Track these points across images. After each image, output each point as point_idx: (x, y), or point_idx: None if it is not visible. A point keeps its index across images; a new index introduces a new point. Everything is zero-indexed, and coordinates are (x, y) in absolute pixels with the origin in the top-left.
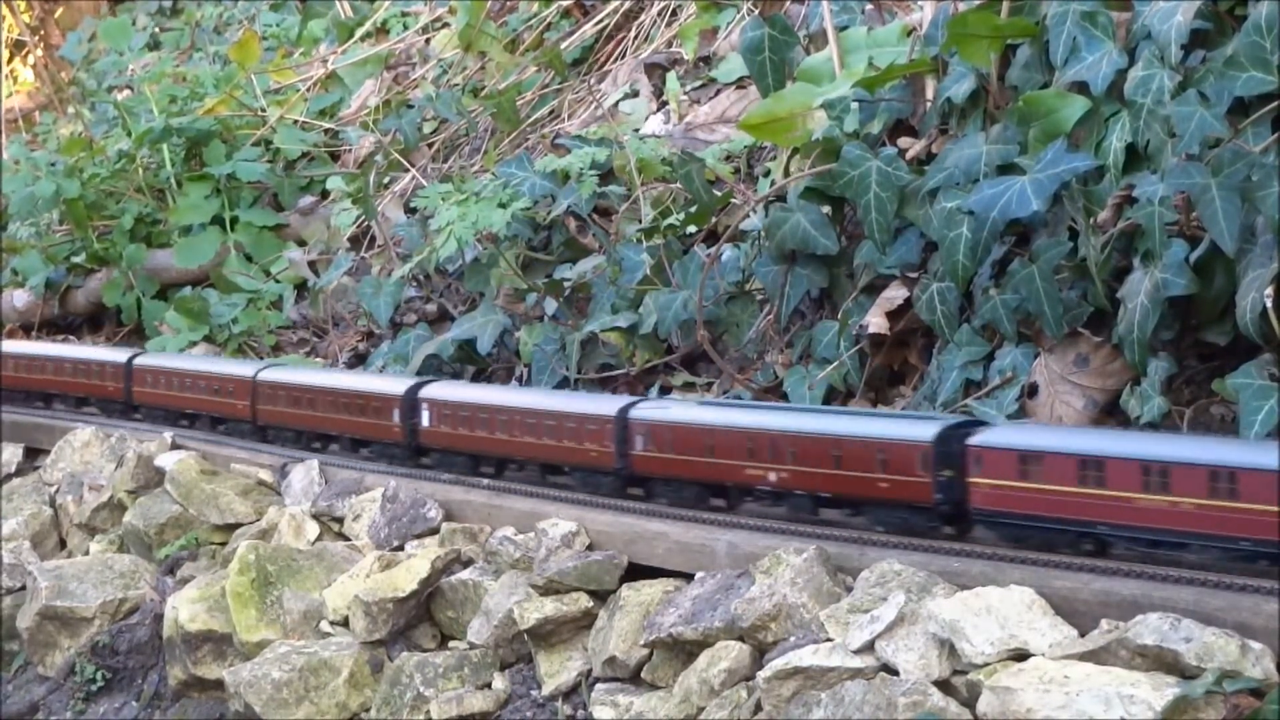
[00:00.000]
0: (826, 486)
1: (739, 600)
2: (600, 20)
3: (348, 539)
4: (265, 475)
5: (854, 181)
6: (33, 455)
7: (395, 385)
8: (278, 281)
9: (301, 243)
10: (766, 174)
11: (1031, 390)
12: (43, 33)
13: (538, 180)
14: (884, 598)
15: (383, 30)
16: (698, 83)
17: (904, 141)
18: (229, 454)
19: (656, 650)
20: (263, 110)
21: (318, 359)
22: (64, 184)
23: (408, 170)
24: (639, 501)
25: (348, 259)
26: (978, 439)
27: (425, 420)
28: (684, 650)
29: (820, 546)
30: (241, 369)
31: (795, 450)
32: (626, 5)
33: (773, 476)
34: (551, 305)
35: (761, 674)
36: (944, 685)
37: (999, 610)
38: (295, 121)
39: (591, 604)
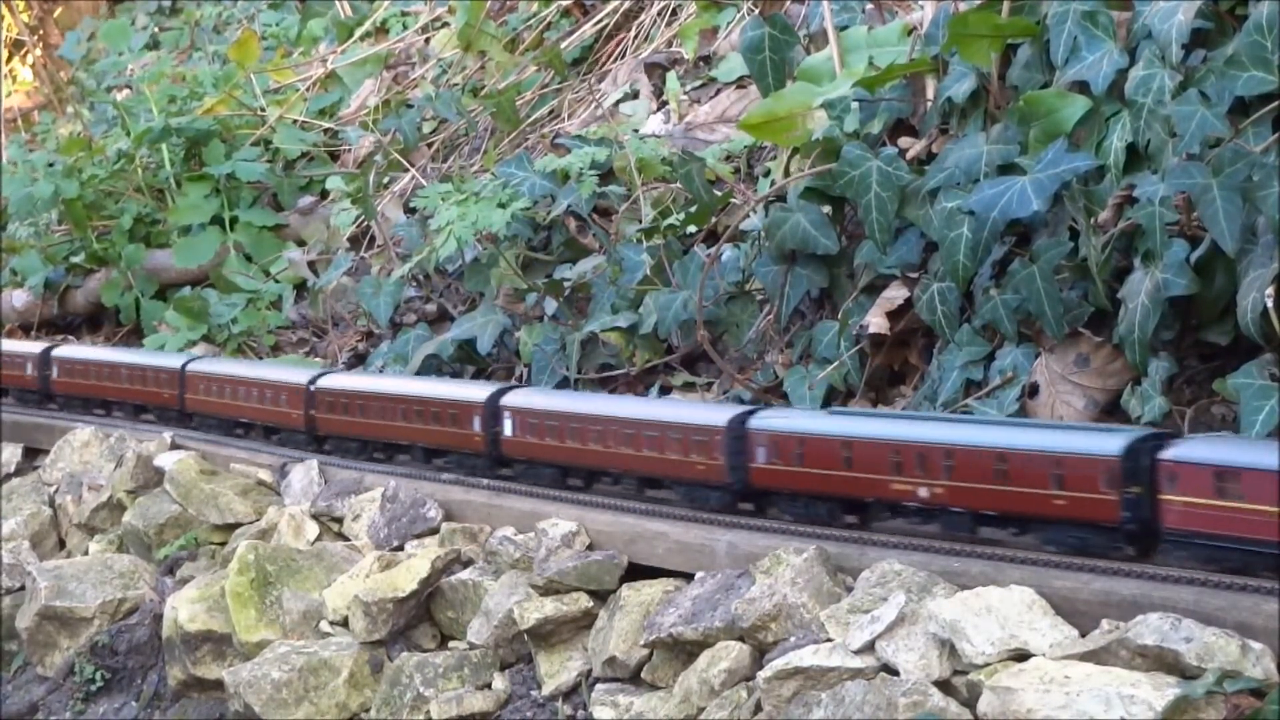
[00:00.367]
0: (990, 503)
1: (739, 600)
2: (600, 20)
3: (347, 539)
4: (265, 475)
5: (854, 181)
6: (32, 455)
7: (476, 391)
8: (277, 281)
9: (301, 243)
10: (766, 174)
11: (1032, 390)
12: (42, 32)
13: (538, 180)
14: (884, 598)
15: (382, 30)
16: (698, 82)
17: (904, 141)
18: (228, 454)
19: (656, 650)
20: (262, 110)
21: (318, 359)
22: (63, 184)
23: (407, 170)
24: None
25: (347, 259)
26: (1171, 453)
27: (508, 429)
28: (684, 650)
29: (820, 546)
30: (296, 375)
31: (953, 463)
32: (626, 5)
33: (924, 492)
34: (551, 305)
35: (761, 674)
36: (944, 685)
37: (999, 610)
38: (295, 121)
39: (591, 604)
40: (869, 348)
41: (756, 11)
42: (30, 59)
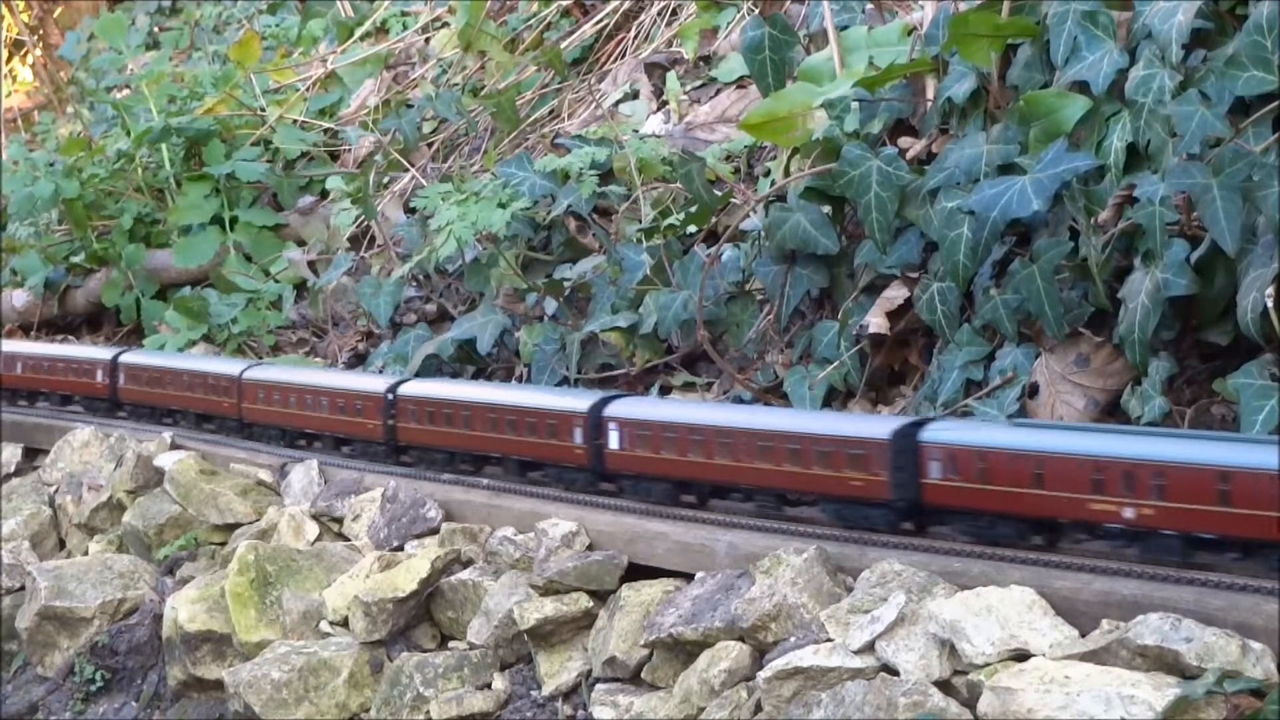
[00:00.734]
0: (1209, 525)
1: (739, 600)
2: (600, 20)
3: (347, 539)
4: (264, 475)
5: (854, 181)
6: (32, 455)
7: (577, 401)
8: (277, 281)
9: (301, 243)
10: (766, 174)
11: (1032, 390)
12: (42, 32)
13: (538, 180)
14: (884, 598)
15: (382, 30)
16: (698, 82)
17: (904, 141)
18: (228, 454)
19: (656, 650)
20: (262, 110)
21: (317, 359)
22: (63, 184)
23: (407, 170)
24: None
25: (347, 259)
26: None
27: (614, 441)
28: (684, 650)
29: (820, 546)
30: (372, 383)
31: (1164, 482)
32: (626, 5)
33: (1129, 513)
34: (551, 305)
35: (761, 674)
36: (944, 685)
37: (999, 610)
38: (295, 121)
39: (591, 604)
40: (869, 348)
41: (756, 11)
42: (30, 59)
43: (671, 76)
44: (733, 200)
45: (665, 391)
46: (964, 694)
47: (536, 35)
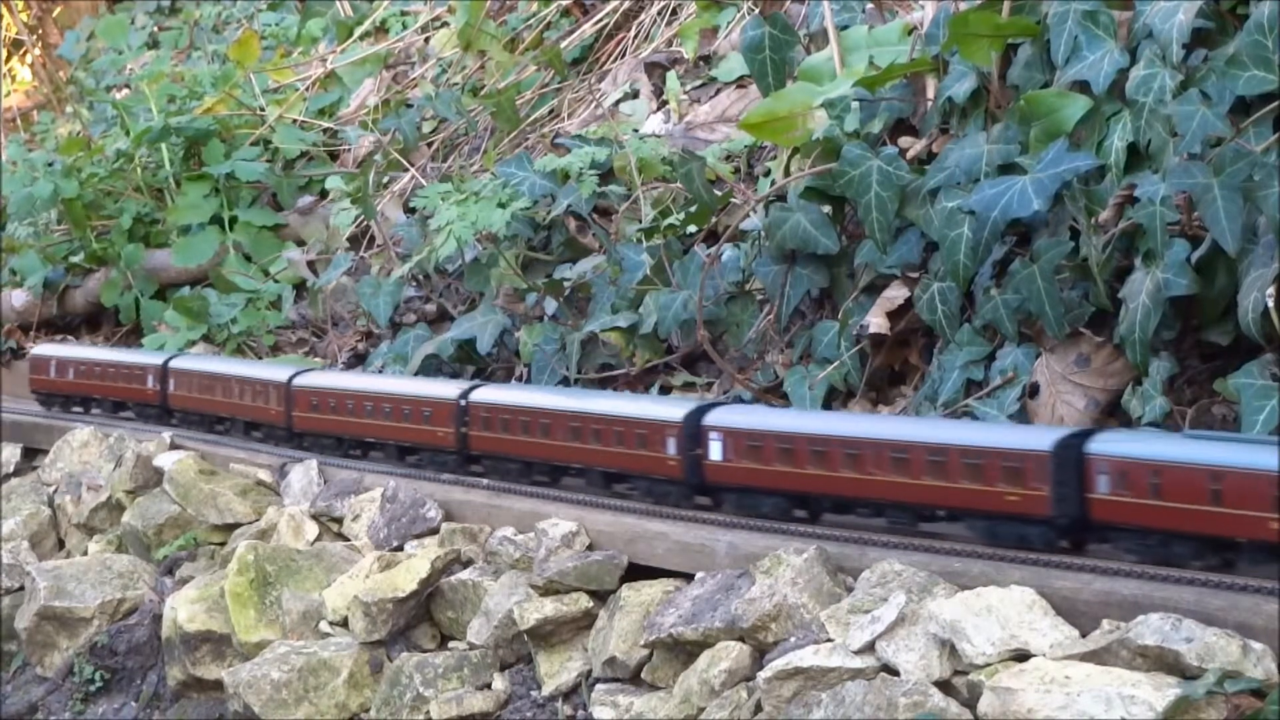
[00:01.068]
0: None
1: (739, 600)
2: (600, 19)
3: (347, 539)
4: (264, 475)
5: (854, 181)
6: (31, 455)
7: (669, 409)
8: (277, 281)
9: (301, 242)
10: (767, 174)
11: (1033, 390)
12: (41, 32)
13: (537, 180)
14: (885, 598)
15: (382, 29)
16: (698, 82)
17: (905, 141)
18: (227, 454)
19: (656, 650)
20: (261, 109)
21: (317, 359)
22: (62, 183)
23: (407, 170)
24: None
25: (347, 259)
26: None
27: (716, 453)
28: (684, 650)
29: (820, 547)
30: (442, 389)
31: None
32: (626, 4)
33: None
34: (551, 305)
35: (762, 674)
36: (945, 686)
37: (1000, 610)
38: (294, 121)
39: (591, 604)
40: (869, 348)
41: (756, 11)
42: (30, 59)
43: (671, 76)
44: (733, 200)
45: (665, 391)
46: (964, 694)
47: (536, 35)
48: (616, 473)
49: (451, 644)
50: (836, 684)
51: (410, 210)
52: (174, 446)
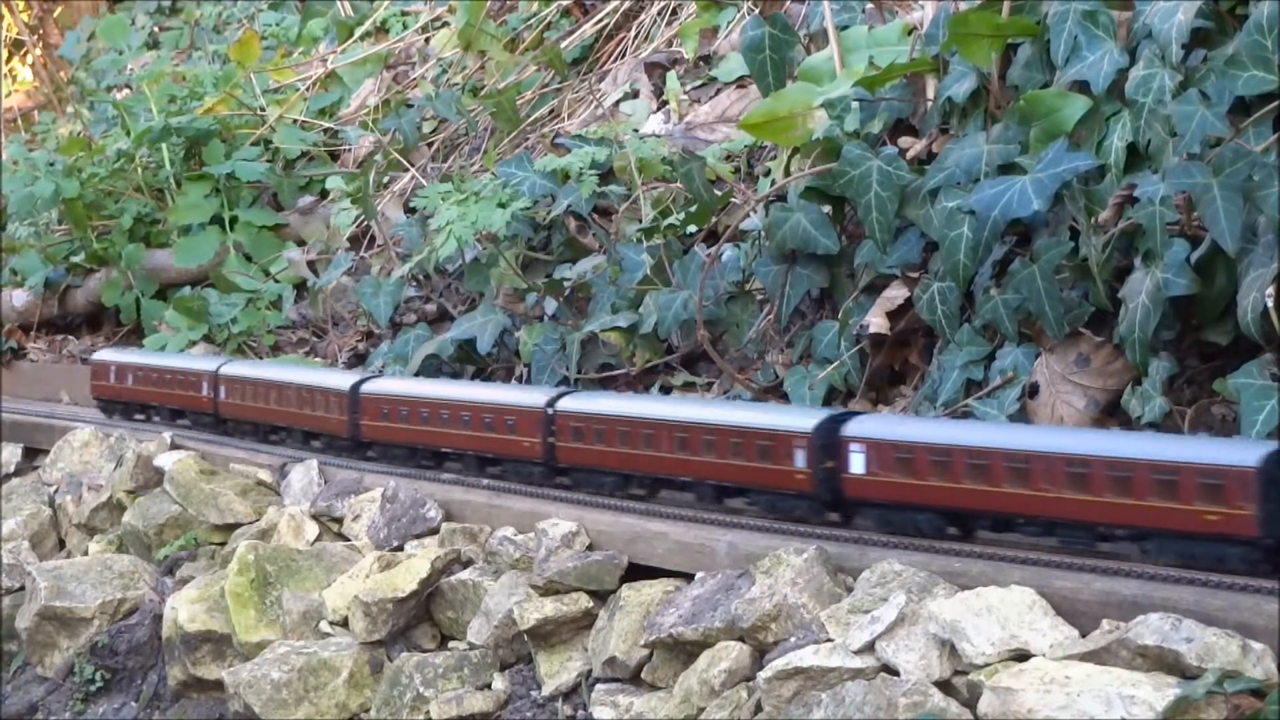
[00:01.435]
0: None
1: (739, 600)
2: (600, 19)
3: (347, 539)
4: (264, 475)
5: (854, 181)
6: (31, 455)
7: (796, 419)
8: (277, 281)
9: (301, 242)
10: (767, 173)
11: (1033, 390)
12: (41, 32)
13: (538, 180)
14: (884, 598)
15: (382, 29)
16: (698, 82)
17: (904, 141)
18: (228, 454)
19: (656, 650)
20: (262, 109)
21: (317, 359)
22: (63, 183)
23: (407, 170)
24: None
25: (347, 259)
26: None
27: (858, 466)
28: (684, 650)
29: (820, 547)
30: (527, 396)
31: None
32: (626, 4)
33: None
34: (551, 305)
35: (762, 674)
36: (945, 686)
37: (1000, 610)
38: (295, 121)
39: (591, 604)
40: (869, 347)
41: (756, 11)
42: (30, 59)
43: (671, 76)
44: (733, 200)
45: (666, 391)
46: (964, 694)
47: (536, 35)
48: (733, 487)
49: (451, 644)
50: (836, 684)
51: (410, 210)
52: (174, 446)
